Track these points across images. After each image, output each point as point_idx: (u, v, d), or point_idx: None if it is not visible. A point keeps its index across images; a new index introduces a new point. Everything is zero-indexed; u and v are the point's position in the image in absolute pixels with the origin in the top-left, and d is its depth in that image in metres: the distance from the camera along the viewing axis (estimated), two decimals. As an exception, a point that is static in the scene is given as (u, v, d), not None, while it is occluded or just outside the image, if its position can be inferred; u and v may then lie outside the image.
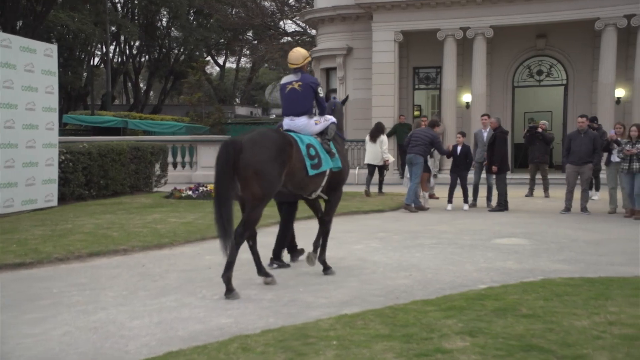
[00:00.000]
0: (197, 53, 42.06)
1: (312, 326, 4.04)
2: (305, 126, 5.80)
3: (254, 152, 5.11)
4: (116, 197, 12.65)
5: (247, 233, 5.22)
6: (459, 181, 11.38)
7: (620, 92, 18.53)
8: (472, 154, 11.98)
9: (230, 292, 5.07)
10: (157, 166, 14.72)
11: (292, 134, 5.66)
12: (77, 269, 6.35)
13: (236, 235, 5.07)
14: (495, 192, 11.24)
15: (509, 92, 20.17)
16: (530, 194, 13.35)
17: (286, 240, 6.42)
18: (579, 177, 10.70)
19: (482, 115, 12.25)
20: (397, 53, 19.41)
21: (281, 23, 34.30)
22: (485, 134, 11.68)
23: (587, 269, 5.95)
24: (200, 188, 12.89)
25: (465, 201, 11.29)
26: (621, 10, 17.12)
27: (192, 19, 41.97)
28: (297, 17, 29.17)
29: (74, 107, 38.12)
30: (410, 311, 4.34)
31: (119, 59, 42.74)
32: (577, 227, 8.84)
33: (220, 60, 49.41)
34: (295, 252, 6.65)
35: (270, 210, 6.62)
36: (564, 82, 19.86)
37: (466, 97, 19.87)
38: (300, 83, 5.78)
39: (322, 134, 5.89)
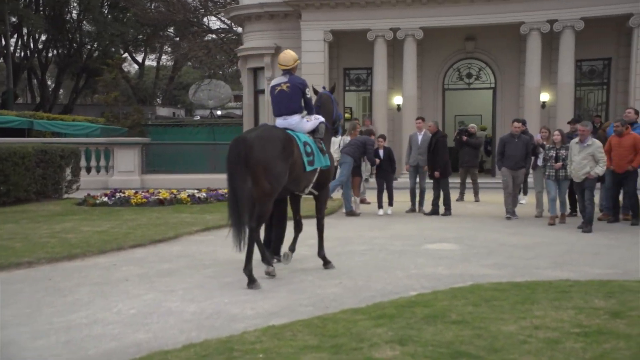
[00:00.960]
0: (113, 49, 39.56)
1: (237, 339, 3.89)
2: (298, 124, 6.19)
3: (263, 149, 5.55)
4: (19, 204, 11.88)
5: (260, 227, 5.82)
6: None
7: (545, 97, 19.11)
8: (406, 158, 11.99)
9: (252, 282, 5.49)
10: (68, 171, 13.88)
11: (289, 131, 6.02)
12: (-29, 285, 5.78)
13: (250, 230, 5.61)
14: (427, 197, 11.36)
15: (440, 95, 20.38)
16: (461, 198, 13.35)
17: (283, 235, 6.78)
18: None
19: (417, 119, 12.29)
20: (327, 53, 19.30)
21: (205, 19, 33.43)
22: (420, 137, 11.70)
23: (515, 273, 6.05)
24: (117, 194, 12.23)
25: (390, 204, 11.23)
26: (544, 15, 17.70)
27: (106, 12, 39.57)
28: (222, 14, 28.46)
29: (-31, 106, 35.38)
30: (340, 320, 4.28)
31: (22, 53, 39.35)
32: (505, 232, 9.01)
33: (139, 58, 47.07)
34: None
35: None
36: (493, 85, 20.27)
37: (397, 100, 19.96)
38: (288, 84, 6.19)
39: (314, 132, 6.29)
